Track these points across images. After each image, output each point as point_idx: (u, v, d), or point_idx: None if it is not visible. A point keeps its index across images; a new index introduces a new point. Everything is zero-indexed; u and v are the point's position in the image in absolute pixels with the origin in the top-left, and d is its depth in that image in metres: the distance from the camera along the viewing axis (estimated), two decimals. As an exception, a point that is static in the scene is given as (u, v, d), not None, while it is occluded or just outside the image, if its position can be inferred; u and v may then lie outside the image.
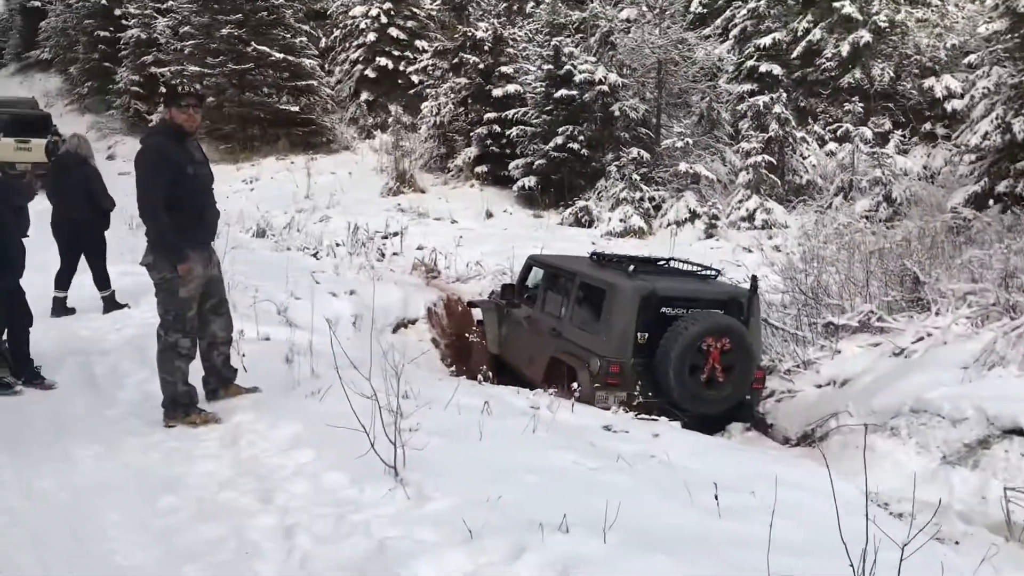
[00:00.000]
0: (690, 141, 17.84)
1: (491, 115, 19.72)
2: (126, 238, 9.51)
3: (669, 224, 16.20)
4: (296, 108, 23.06)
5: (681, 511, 3.50)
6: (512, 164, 18.96)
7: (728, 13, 22.74)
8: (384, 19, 24.34)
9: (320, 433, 4.21)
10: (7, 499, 3.78)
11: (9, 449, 4.45)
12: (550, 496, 3.52)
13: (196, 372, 5.08)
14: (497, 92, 19.85)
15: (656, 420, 5.56)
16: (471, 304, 10.03)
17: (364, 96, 25.07)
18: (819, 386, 7.62)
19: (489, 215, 17.42)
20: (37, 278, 6.49)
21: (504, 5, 26.76)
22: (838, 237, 13.35)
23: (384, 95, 24.82)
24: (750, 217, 16.02)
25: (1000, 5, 13.99)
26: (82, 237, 7.83)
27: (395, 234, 14.30)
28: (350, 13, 25.16)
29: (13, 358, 5.66)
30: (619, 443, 4.58)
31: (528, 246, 13.16)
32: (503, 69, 20.24)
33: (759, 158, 16.59)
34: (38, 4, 33.34)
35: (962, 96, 16.59)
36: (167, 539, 3.41)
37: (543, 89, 18.96)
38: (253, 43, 22.48)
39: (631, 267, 6.90)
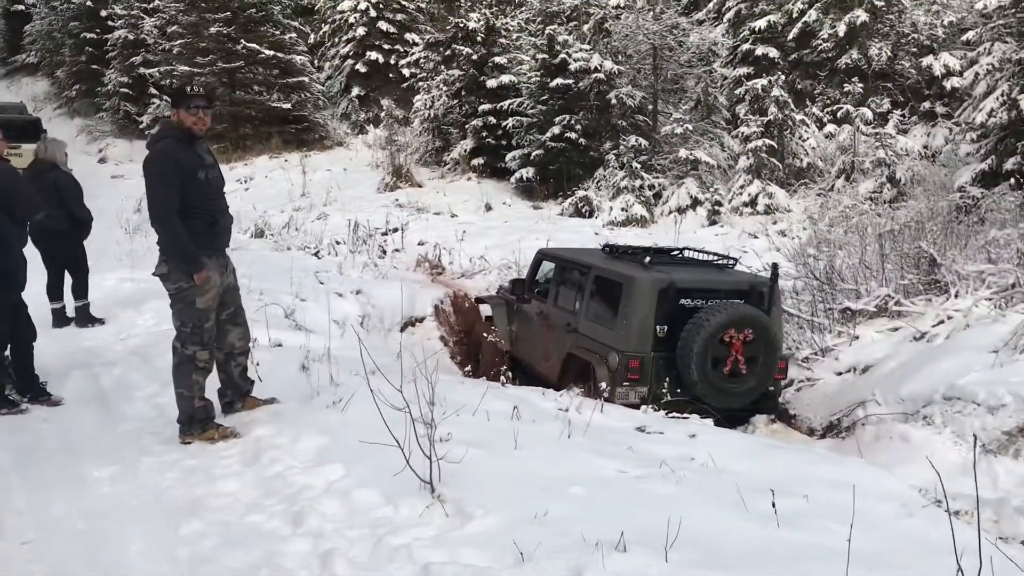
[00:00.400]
0: (689, 127, 17.64)
1: (486, 106, 19.49)
2: (123, 243, 9.30)
3: (671, 212, 16.01)
4: (288, 105, 22.79)
5: (739, 523, 3.31)
6: (509, 156, 18.75)
7: (721, -4, 22.52)
8: (373, 12, 24.04)
9: (347, 446, 4.02)
10: (23, 530, 3.57)
11: (20, 471, 4.25)
12: (599, 510, 3.34)
13: (210, 384, 4.85)
14: (491, 83, 19.60)
15: (687, 419, 5.39)
16: (479, 300, 9.83)
17: (355, 91, 24.79)
18: (839, 373, 7.46)
19: (488, 208, 17.20)
20: (31, 289, 6.23)
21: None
22: (845, 220, 13.22)
23: (376, 89, 24.53)
24: (752, 202, 15.84)
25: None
26: (57, 248, 7.39)
27: (395, 230, 14.07)
28: (338, 8, 24.86)
29: (18, 375, 5.45)
30: (657, 446, 4.40)
31: (531, 239, 12.99)
32: (496, 60, 19.99)
33: (759, 142, 16.39)
34: (22, 7, 32.82)
35: (961, 73, 16.42)
36: (195, 570, 3.21)
37: (538, 79, 18.72)
38: (242, 40, 22.22)
39: (647, 259, 6.73)
